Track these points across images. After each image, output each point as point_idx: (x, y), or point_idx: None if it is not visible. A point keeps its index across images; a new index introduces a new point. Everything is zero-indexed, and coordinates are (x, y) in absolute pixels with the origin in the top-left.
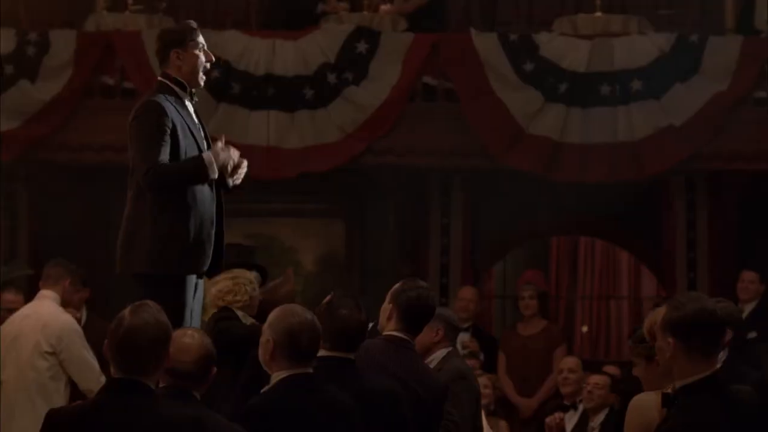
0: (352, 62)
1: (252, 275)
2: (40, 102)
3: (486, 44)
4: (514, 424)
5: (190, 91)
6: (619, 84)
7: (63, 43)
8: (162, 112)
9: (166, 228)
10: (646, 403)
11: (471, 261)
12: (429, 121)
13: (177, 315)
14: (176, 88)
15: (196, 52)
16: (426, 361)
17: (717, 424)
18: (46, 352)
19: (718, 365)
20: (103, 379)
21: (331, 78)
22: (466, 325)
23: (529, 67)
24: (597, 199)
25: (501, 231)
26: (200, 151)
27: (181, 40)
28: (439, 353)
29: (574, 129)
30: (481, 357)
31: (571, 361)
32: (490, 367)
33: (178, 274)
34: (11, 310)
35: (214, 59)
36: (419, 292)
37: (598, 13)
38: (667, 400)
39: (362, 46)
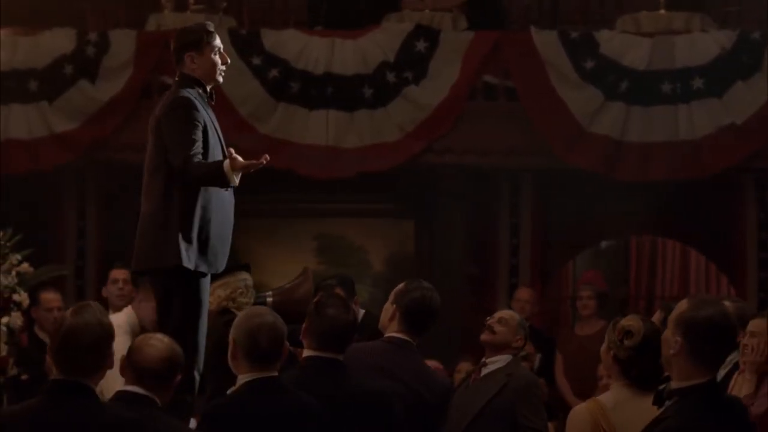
0: (412, 61)
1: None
2: (99, 102)
3: (546, 42)
4: None
5: (210, 92)
6: (680, 82)
7: (123, 43)
8: (194, 108)
9: (193, 226)
10: (580, 416)
11: (541, 261)
12: (489, 119)
13: (198, 312)
14: (197, 87)
15: (212, 55)
16: (487, 361)
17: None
18: None
19: (722, 371)
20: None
21: (391, 77)
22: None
23: (589, 65)
24: (668, 198)
25: (572, 231)
26: (223, 151)
27: (197, 43)
28: (503, 357)
29: (634, 127)
30: (537, 360)
31: None
32: (548, 368)
33: (205, 271)
34: (51, 310)
35: (229, 61)
36: (423, 293)
37: (662, 11)
38: (658, 398)
39: (422, 45)
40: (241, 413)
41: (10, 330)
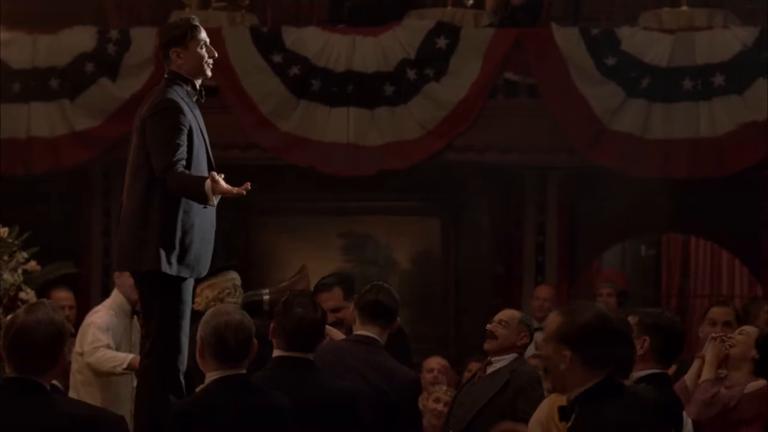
0: (433, 58)
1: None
2: (120, 100)
3: (567, 39)
4: None
5: (200, 90)
6: (701, 79)
7: (144, 40)
8: (180, 111)
9: (175, 230)
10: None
11: (568, 260)
12: (510, 117)
13: (180, 313)
14: (185, 86)
15: (198, 49)
16: (492, 360)
17: (622, 423)
18: (77, 353)
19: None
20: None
21: (411, 74)
22: (541, 325)
23: (610, 61)
24: (696, 195)
25: (599, 229)
26: (208, 152)
27: (181, 38)
28: (508, 356)
29: (655, 124)
30: None
31: None
32: None
33: (186, 276)
34: (62, 308)
35: (216, 55)
36: (377, 295)
37: (684, 7)
38: (563, 413)
39: (442, 42)
40: (208, 411)
41: None
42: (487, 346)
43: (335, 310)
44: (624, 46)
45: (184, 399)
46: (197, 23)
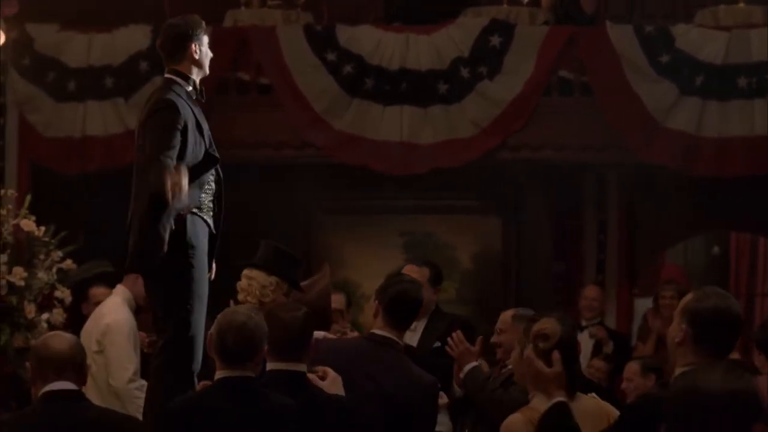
0: (486, 56)
1: (270, 280)
2: None
3: (621, 36)
4: None
5: (201, 89)
6: (756, 76)
7: None
8: (176, 111)
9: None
10: (515, 425)
11: (629, 258)
12: (565, 115)
13: (195, 311)
14: (185, 86)
15: (201, 47)
16: (507, 362)
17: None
18: (95, 352)
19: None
20: (133, 384)
21: (465, 72)
22: (591, 323)
23: (664, 59)
24: (758, 194)
25: (661, 226)
26: (207, 149)
27: (192, 35)
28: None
29: (710, 122)
30: (610, 347)
31: None
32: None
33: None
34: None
35: (212, 54)
36: (403, 287)
37: (741, 4)
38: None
39: (496, 40)
40: (203, 410)
41: (51, 326)
42: (498, 357)
43: None
44: (678, 44)
45: (181, 396)
46: (200, 21)
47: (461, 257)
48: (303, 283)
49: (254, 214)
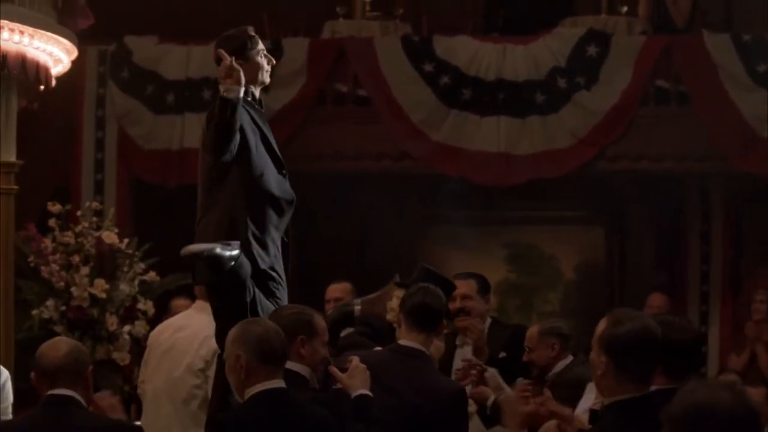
0: (583, 66)
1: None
2: (271, 111)
3: (718, 45)
4: None
5: (259, 100)
6: None
7: (296, 51)
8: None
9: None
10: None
11: (733, 268)
12: (663, 125)
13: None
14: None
15: (258, 59)
16: (550, 374)
17: None
18: (200, 369)
19: (652, 388)
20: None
21: (562, 82)
22: None
23: (762, 68)
24: None
25: (767, 237)
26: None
27: (242, 49)
28: (560, 365)
29: None
30: None
31: None
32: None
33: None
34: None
35: (275, 62)
36: (423, 297)
37: None
38: (593, 417)
39: (593, 50)
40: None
41: (135, 338)
42: (534, 374)
43: (465, 297)
44: None
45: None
46: (254, 33)
47: (564, 268)
48: (372, 296)
49: (361, 223)
